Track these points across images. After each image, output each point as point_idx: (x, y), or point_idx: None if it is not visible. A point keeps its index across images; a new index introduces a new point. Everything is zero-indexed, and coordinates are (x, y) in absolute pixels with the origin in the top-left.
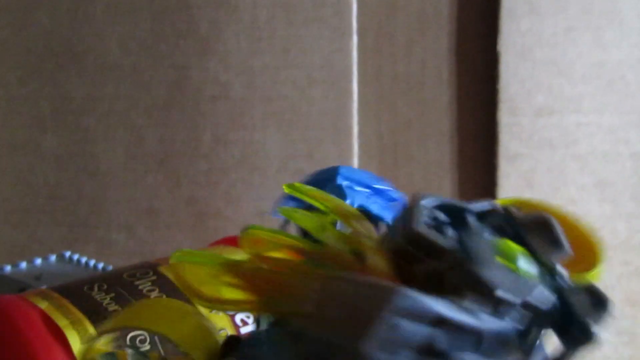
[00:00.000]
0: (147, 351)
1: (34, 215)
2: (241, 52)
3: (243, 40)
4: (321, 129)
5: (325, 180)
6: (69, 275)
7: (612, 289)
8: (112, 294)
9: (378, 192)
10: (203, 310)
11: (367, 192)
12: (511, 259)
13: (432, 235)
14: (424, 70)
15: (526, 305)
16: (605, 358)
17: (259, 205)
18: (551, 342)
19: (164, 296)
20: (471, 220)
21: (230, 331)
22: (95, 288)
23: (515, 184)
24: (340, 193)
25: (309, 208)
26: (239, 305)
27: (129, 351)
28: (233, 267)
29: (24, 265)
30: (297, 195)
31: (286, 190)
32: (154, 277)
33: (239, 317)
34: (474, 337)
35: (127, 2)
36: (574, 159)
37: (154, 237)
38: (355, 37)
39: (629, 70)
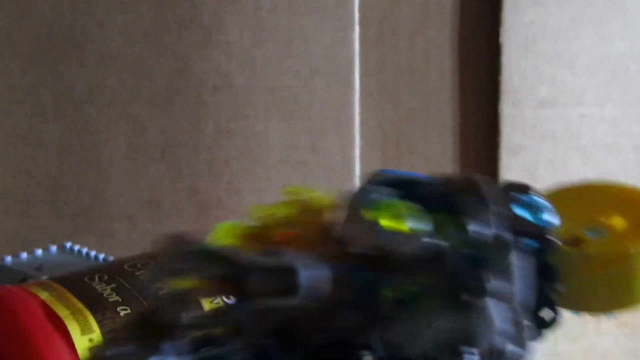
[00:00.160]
0: None
1: (35, 206)
2: (244, 42)
3: (245, 31)
4: (323, 119)
5: None
6: (69, 266)
7: None
8: (113, 285)
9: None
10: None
11: None
12: (399, 218)
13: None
14: (427, 62)
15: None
16: (607, 350)
17: (261, 196)
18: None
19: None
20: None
21: None
22: (96, 279)
23: (517, 176)
24: None
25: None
26: None
27: None
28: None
29: (24, 255)
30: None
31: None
32: None
33: None
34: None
35: None
36: (576, 151)
37: (155, 227)
38: (358, 28)
39: (632, 62)
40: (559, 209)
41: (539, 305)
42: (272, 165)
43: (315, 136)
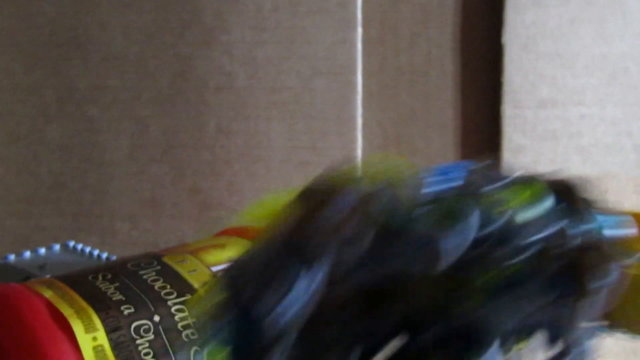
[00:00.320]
0: (152, 340)
1: (38, 205)
2: (245, 42)
3: (247, 31)
4: (325, 120)
5: None
6: (72, 265)
7: None
8: (117, 284)
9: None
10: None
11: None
12: (536, 199)
13: None
14: (428, 62)
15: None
16: (606, 350)
17: (262, 196)
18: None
19: (168, 286)
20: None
21: None
22: (100, 277)
23: None
24: None
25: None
26: None
27: None
28: None
29: (27, 254)
30: None
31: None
32: (158, 267)
33: None
34: None
35: None
36: (577, 151)
37: (157, 227)
38: (360, 29)
39: (632, 62)
40: None
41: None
42: (274, 166)
43: (317, 136)
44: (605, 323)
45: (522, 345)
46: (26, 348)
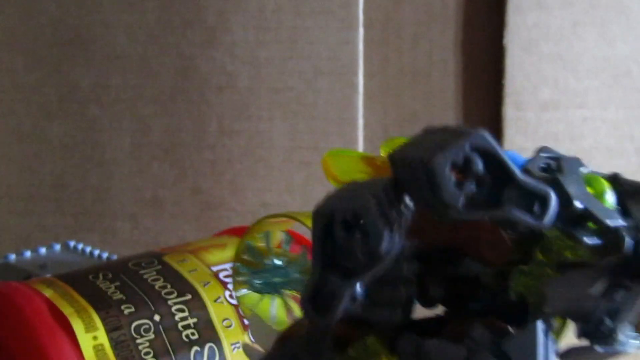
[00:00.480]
0: (152, 340)
1: (39, 204)
2: (248, 42)
3: (250, 31)
4: (327, 120)
5: None
6: (73, 264)
7: None
8: (117, 283)
9: None
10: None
11: None
12: (599, 191)
13: None
14: (430, 64)
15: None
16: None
17: (264, 196)
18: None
19: (169, 286)
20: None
21: (234, 321)
22: (100, 277)
23: None
24: None
25: None
26: None
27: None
28: (369, 159)
29: (28, 254)
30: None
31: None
32: (159, 267)
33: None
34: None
35: None
36: (578, 153)
37: (158, 226)
38: (362, 30)
39: (634, 64)
40: None
41: None
42: (275, 165)
43: (319, 136)
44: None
45: (563, 328)
46: (27, 346)
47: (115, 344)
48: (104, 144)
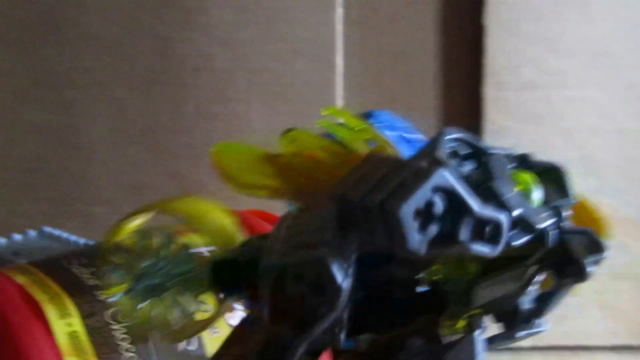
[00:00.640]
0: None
1: (14, 190)
2: (225, 23)
3: (227, 12)
4: (306, 102)
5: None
6: (48, 251)
7: None
8: (92, 269)
9: (407, 141)
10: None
11: (395, 135)
12: (526, 188)
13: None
14: (410, 44)
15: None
16: (588, 332)
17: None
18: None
19: None
20: (491, 155)
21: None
22: (75, 262)
23: None
24: None
25: None
26: (272, 192)
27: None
28: (271, 158)
29: (2, 240)
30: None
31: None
32: None
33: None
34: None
35: None
36: (559, 133)
37: None
38: (341, 10)
39: (615, 44)
40: None
41: None
42: None
43: (297, 118)
44: None
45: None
46: None
47: (90, 330)
48: (80, 128)
